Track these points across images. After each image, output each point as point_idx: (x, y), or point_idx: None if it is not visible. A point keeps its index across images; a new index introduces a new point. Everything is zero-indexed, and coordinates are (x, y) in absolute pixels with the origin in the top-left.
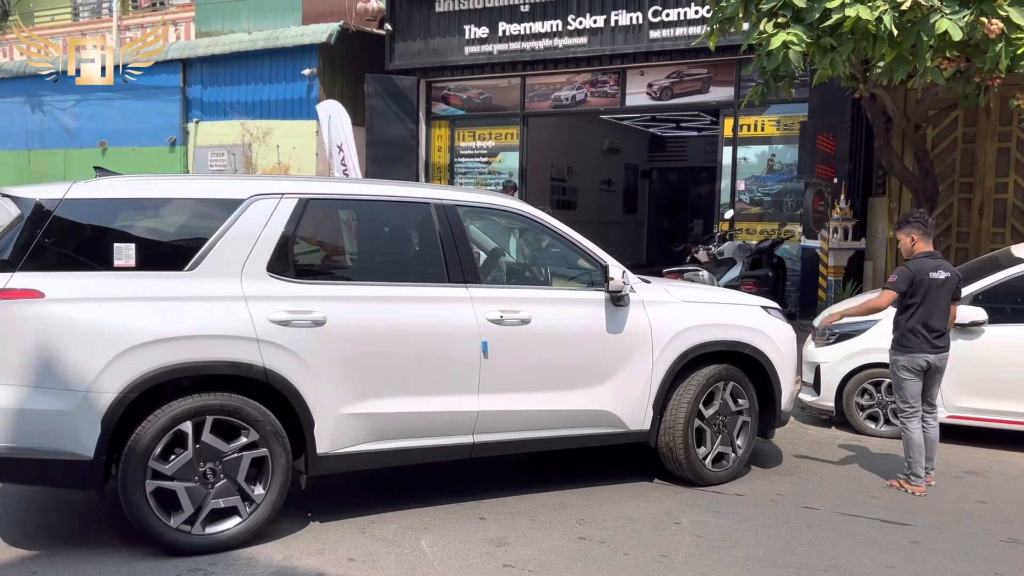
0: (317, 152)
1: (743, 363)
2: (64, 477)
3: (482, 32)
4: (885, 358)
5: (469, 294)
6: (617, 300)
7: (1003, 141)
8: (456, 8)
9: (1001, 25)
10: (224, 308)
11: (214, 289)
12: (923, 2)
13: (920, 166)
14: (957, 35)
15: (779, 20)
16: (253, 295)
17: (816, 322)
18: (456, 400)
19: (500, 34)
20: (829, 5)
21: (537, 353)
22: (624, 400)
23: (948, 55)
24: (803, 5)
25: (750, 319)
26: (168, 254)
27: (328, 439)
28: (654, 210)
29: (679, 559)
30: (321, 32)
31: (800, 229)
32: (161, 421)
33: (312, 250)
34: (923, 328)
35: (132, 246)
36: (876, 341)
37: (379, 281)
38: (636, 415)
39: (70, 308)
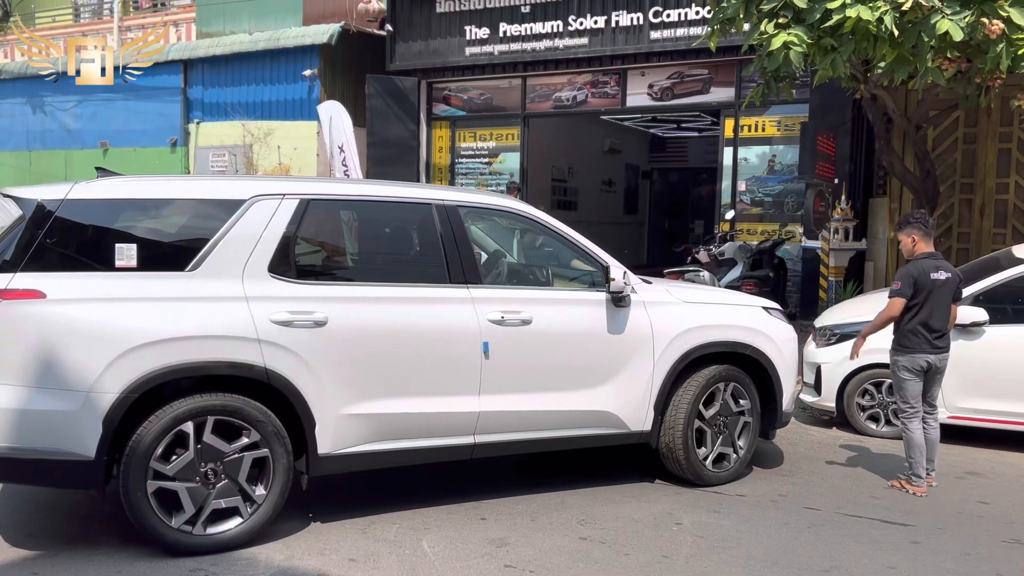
0: (318, 153)
1: (744, 364)
2: (65, 477)
3: (483, 33)
4: (886, 359)
5: (470, 295)
6: (618, 301)
7: (1004, 142)
8: (457, 9)
9: (1002, 26)
10: (225, 308)
11: (215, 290)
12: (924, 2)
13: (921, 167)
14: (958, 36)
15: (780, 21)
16: (254, 295)
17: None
18: (457, 401)
19: (501, 35)
20: (830, 6)
21: (538, 354)
22: (625, 401)
23: (949, 56)
24: (804, 6)
25: (751, 320)
26: (169, 254)
27: (329, 439)
28: (655, 211)
29: (680, 560)
30: (322, 33)
31: (801, 230)
32: (162, 421)
33: (313, 251)
34: (924, 328)
35: (133, 246)
36: (877, 342)
37: (380, 282)
38: (637, 416)
39: (72, 309)
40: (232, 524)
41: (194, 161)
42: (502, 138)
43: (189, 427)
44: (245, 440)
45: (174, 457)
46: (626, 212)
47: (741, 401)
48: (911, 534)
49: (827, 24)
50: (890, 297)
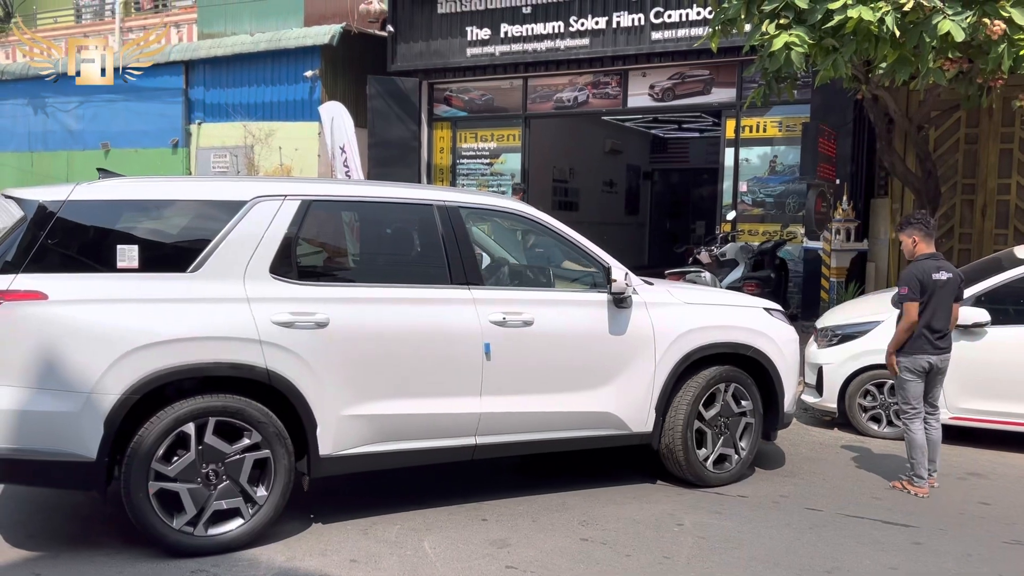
0: (319, 154)
1: (746, 365)
2: (67, 478)
3: (484, 34)
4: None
5: (472, 296)
6: (620, 302)
7: (1005, 142)
8: (458, 10)
9: (1003, 26)
10: (227, 310)
11: (217, 291)
12: (925, 3)
13: (922, 167)
14: (959, 36)
15: (781, 21)
16: (256, 297)
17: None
18: (458, 402)
19: (502, 35)
20: (831, 6)
21: (540, 355)
22: (627, 402)
23: (950, 56)
24: (805, 6)
25: (752, 321)
26: (171, 256)
27: (330, 441)
28: (656, 211)
29: (681, 560)
30: (323, 34)
31: (802, 230)
32: (164, 423)
33: (315, 251)
34: (926, 329)
35: (135, 248)
36: (878, 342)
37: (382, 283)
38: (639, 417)
39: (73, 310)
40: (233, 525)
41: (195, 162)
42: (503, 139)
43: (190, 428)
44: (246, 441)
45: (175, 458)
46: (627, 213)
47: (743, 402)
48: (913, 535)
49: (828, 25)
50: (900, 303)
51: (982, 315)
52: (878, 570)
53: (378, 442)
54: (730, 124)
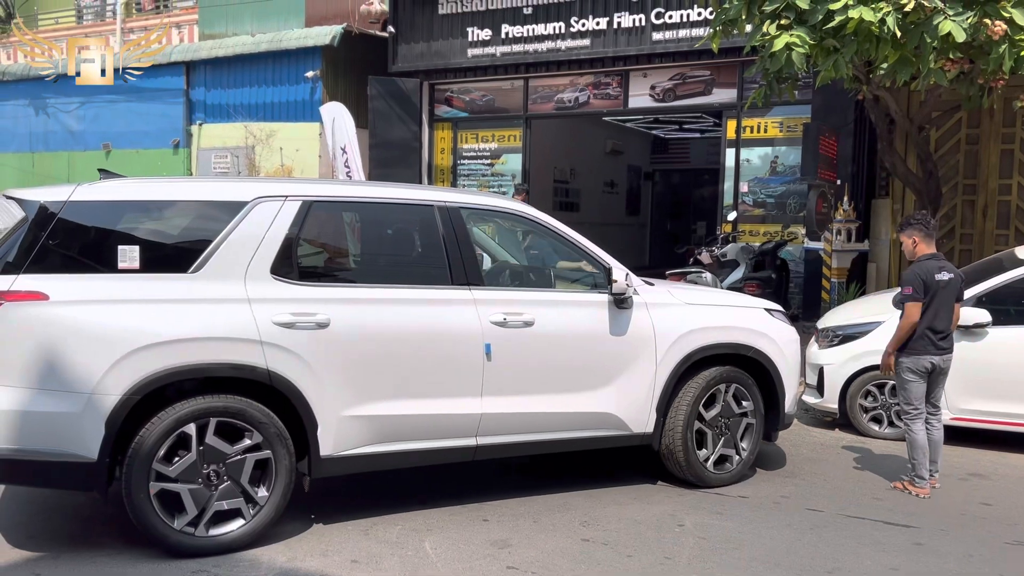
0: (320, 154)
1: (747, 366)
2: (68, 479)
3: (485, 34)
4: None
5: (472, 296)
6: (620, 302)
7: (1007, 143)
8: (459, 10)
9: (1004, 26)
10: (228, 310)
11: (218, 291)
12: (926, 4)
13: (923, 168)
14: (960, 37)
15: (782, 22)
16: (257, 297)
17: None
18: (459, 402)
19: (503, 36)
20: (832, 7)
21: (540, 355)
22: (627, 403)
23: (951, 57)
24: (806, 7)
25: (753, 321)
26: (172, 256)
27: (331, 441)
28: (657, 212)
29: (683, 561)
30: (324, 34)
31: (803, 231)
32: (165, 423)
33: (316, 252)
34: (928, 330)
35: (136, 248)
36: (879, 343)
37: (383, 283)
38: (639, 418)
39: (74, 310)
40: (234, 526)
41: (196, 163)
42: (504, 139)
43: (191, 429)
44: (247, 442)
45: (176, 459)
46: (628, 213)
47: (744, 403)
48: (914, 536)
49: (829, 25)
50: (903, 303)
51: (983, 316)
52: (879, 571)
53: (379, 443)
54: (731, 125)
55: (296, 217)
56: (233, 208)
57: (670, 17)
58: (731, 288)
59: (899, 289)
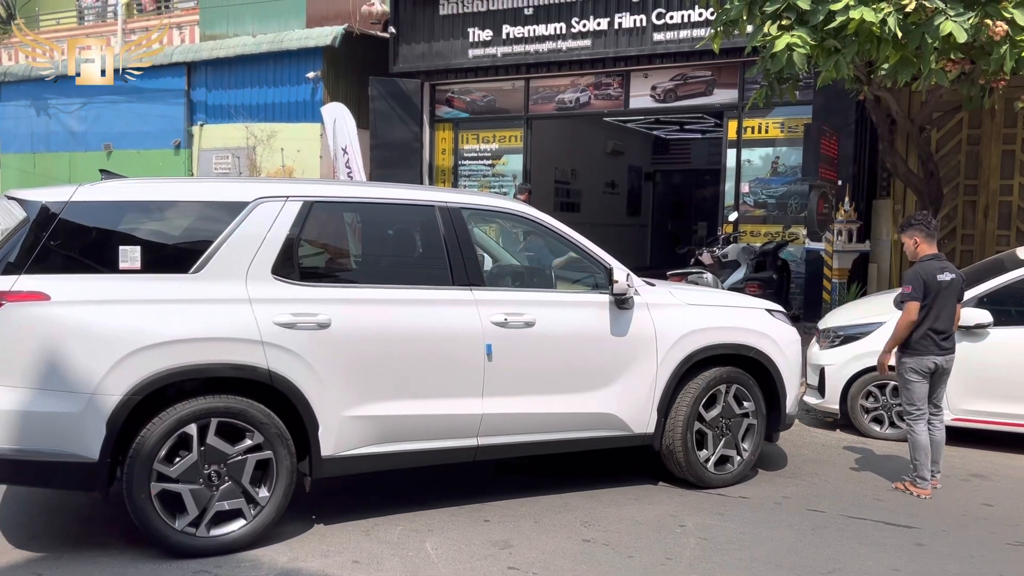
0: (321, 155)
1: (748, 366)
2: (69, 479)
3: (486, 35)
4: (890, 360)
5: (473, 297)
6: (621, 303)
7: (1008, 143)
8: (460, 11)
9: (1006, 27)
10: (229, 311)
11: (219, 292)
12: (927, 4)
13: (924, 168)
14: (961, 37)
15: (783, 22)
16: (258, 298)
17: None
18: (460, 403)
19: (504, 37)
20: (833, 7)
21: (541, 356)
22: (628, 403)
23: (952, 57)
24: (807, 7)
25: (754, 322)
26: (173, 257)
27: (332, 441)
28: (658, 212)
29: (684, 562)
30: (325, 35)
31: (804, 231)
32: (166, 423)
33: (317, 252)
34: (931, 331)
35: (137, 249)
36: (880, 343)
37: (384, 284)
38: (640, 418)
39: (75, 311)
40: (236, 526)
41: (197, 163)
42: (505, 140)
43: (192, 429)
44: (248, 442)
45: (178, 459)
46: (629, 214)
47: (745, 403)
48: (915, 536)
49: (830, 26)
50: (903, 302)
51: (984, 316)
52: (880, 571)
53: (380, 443)
54: (732, 125)
55: (297, 217)
56: (234, 208)
57: (671, 18)
58: (732, 289)
59: (900, 289)
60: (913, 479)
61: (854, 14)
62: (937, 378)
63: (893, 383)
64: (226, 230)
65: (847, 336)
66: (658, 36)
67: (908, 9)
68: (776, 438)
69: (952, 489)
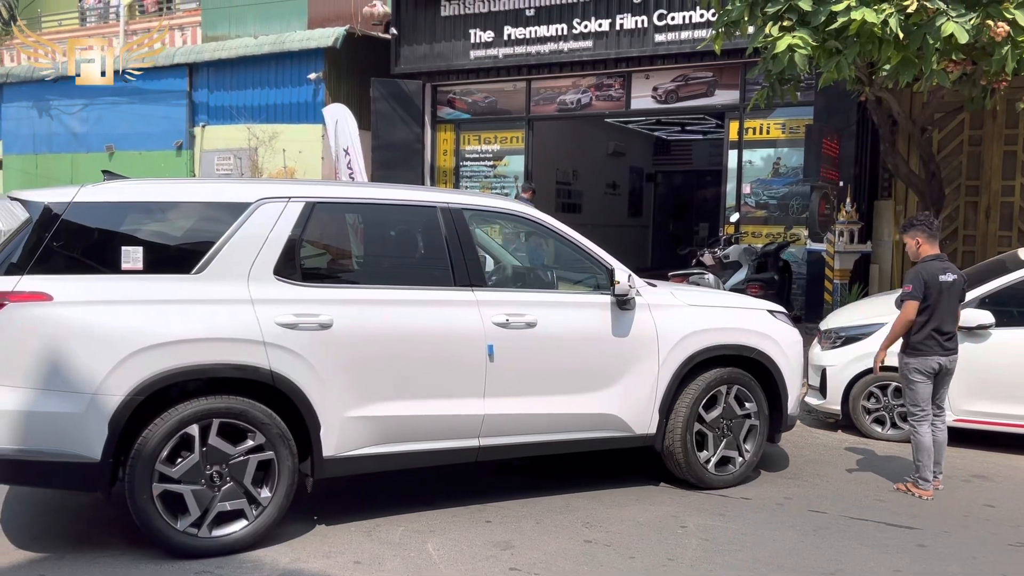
0: (323, 156)
1: (750, 367)
2: (71, 479)
3: (487, 36)
4: (891, 361)
5: (475, 298)
6: (623, 304)
7: (1009, 144)
8: (461, 12)
9: (1007, 28)
10: (231, 311)
11: (221, 292)
12: (929, 5)
13: (926, 169)
14: (963, 38)
15: (784, 23)
16: (260, 298)
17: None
18: (461, 403)
19: (505, 38)
20: (835, 8)
21: (543, 357)
22: (630, 404)
23: (954, 58)
24: (809, 8)
25: (756, 323)
26: (175, 257)
27: (334, 442)
28: (659, 213)
29: (685, 562)
30: (327, 36)
31: (806, 232)
32: (168, 424)
33: (318, 253)
34: (935, 331)
35: (139, 249)
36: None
37: (385, 284)
38: (642, 419)
39: (78, 311)
40: (237, 526)
41: (199, 164)
42: (506, 141)
43: (194, 430)
44: (250, 443)
45: (179, 460)
46: (630, 215)
47: (746, 404)
48: (917, 537)
49: (832, 27)
50: (903, 301)
51: (986, 317)
52: (882, 572)
53: (381, 443)
54: (733, 126)
55: (299, 218)
56: (236, 209)
57: (672, 19)
58: (734, 289)
59: (902, 290)
60: (915, 480)
61: (855, 15)
62: (940, 379)
63: (895, 384)
64: (228, 231)
65: (849, 337)
66: (659, 37)
67: (909, 10)
68: (778, 439)
69: (954, 490)
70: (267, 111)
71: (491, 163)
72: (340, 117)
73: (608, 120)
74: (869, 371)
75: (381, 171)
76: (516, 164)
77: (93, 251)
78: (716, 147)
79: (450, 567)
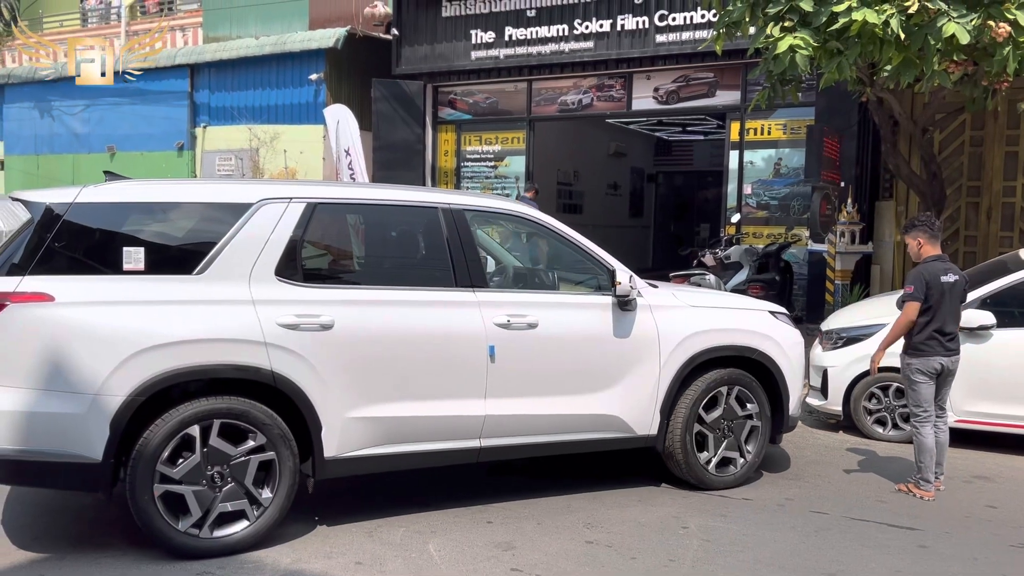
0: (324, 156)
1: (751, 368)
2: (73, 480)
3: (488, 37)
4: (892, 362)
5: (476, 298)
6: (624, 305)
7: (1011, 145)
8: (463, 13)
9: (1008, 28)
10: (232, 312)
11: (222, 293)
12: (930, 5)
13: (927, 170)
14: (964, 39)
15: (786, 24)
16: (261, 299)
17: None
18: (463, 404)
19: (507, 39)
20: (836, 9)
21: (544, 357)
22: (631, 405)
23: (955, 59)
24: (810, 9)
25: (757, 324)
26: (177, 258)
27: (335, 443)
28: (660, 214)
29: (687, 563)
30: (328, 37)
31: (807, 233)
32: (169, 425)
33: (320, 254)
34: (937, 332)
35: (141, 250)
36: None
37: (387, 285)
38: (643, 420)
39: (80, 312)
40: (238, 527)
41: (201, 165)
42: (508, 142)
43: (195, 430)
44: (251, 443)
45: (181, 460)
46: (631, 216)
47: (748, 405)
48: (918, 538)
49: (833, 27)
50: (904, 301)
51: (987, 318)
52: (883, 573)
53: (383, 444)
54: (734, 127)
55: (300, 219)
56: (238, 210)
57: (673, 19)
58: (735, 290)
59: (903, 290)
60: (917, 481)
61: (857, 16)
62: (942, 379)
63: (896, 385)
64: (230, 231)
65: (850, 338)
66: (660, 38)
67: (911, 11)
68: (779, 440)
69: (955, 491)
70: (268, 112)
71: (492, 164)
72: (341, 118)
73: (609, 121)
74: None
75: (382, 172)
76: (517, 165)
77: (95, 252)
78: (717, 148)
79: (451, 568)
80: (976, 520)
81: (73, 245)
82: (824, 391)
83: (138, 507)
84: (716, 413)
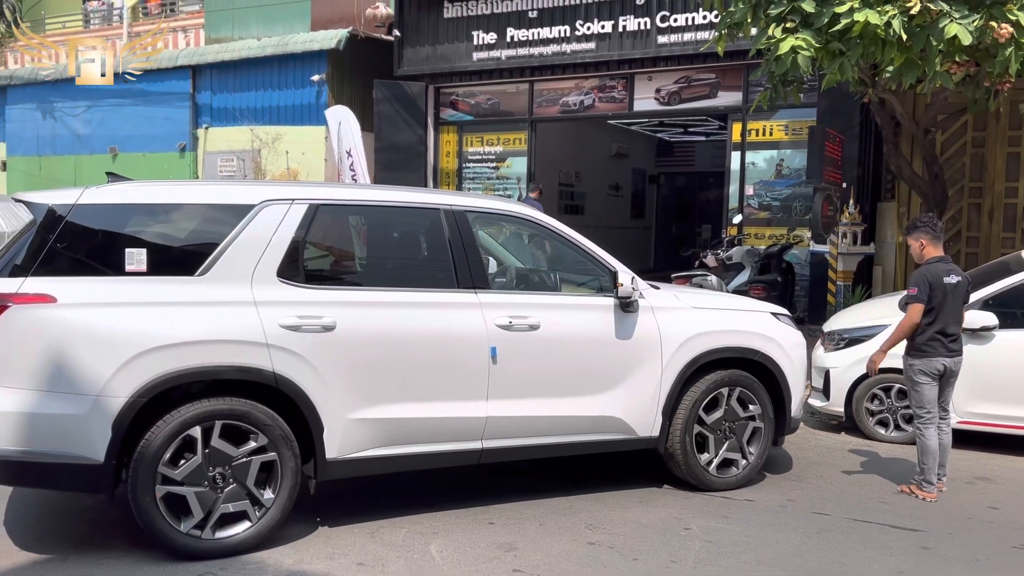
0: (326, 158)
1: (753, 369)
2: (75, 481)
3: (490, 38)
4: (894, 363)
5: (478, 300)
6: (626, 306)
7: (1013, 146)
8: (464, 14)
9: (1011, 29)
10: (234, 313)
11: (224, 294)
12: (932, 6)
13: (929, 171)
14: (966, 39)
15: (788, 25)
16: (263, 300)
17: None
18: (465, 405)
19: (508, 40)
20: (838, 10)
21: (546, 359)
22: (633, 406)
23: (957, 59)
24: (812, 10)
25: (759, 325)
26: (179, 259)
27: (337, 444)
28: (662, 215)
29: (689, 564)
30: (330, 38)
31: (809, 234)
32: (171, 426)
33: (322, 255)
34: (939, 333)
35: (143, 251)
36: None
37: (389, 286)
38: (645, 421)
39: (82, 313)
40: (240, 528)
41: (203, 166)
42: (509, 143)
43: (197, 431)
44: (253, 444)
45: (182, 461)
46: (633, 216)
47: (750, 407)
48: (920, 539)
49: (835, 28)
50: (907, 303)
51: (990, 319)
52: (886, 575)
53: (384, 446)
54: (736, 128)
55: (302, 220)
56: (240, 211)
57: (675, 20)
58: (736, 291)
59: (906, 292)
60: (919, 482)
61: (858, 16)
62: (945, 380)
63: (898, 386)
64: (232, 233)
65: (852, 339)
66: (662, 39)
67: (913, 11)
68: (781, 442)
69: (958, 492)
70: (270, 113)
71: (494, 165)
72: (343, 119)
73: (611, 122)
74: None
75: (384, 173)
76: (519, 166)
77: (97, 253)
78: (719, 149)
79: (453, 569)
80: (978, 521)
81: (75, 246)
82: (826, 392)
83: (140, 508)
84: (717, 414)
